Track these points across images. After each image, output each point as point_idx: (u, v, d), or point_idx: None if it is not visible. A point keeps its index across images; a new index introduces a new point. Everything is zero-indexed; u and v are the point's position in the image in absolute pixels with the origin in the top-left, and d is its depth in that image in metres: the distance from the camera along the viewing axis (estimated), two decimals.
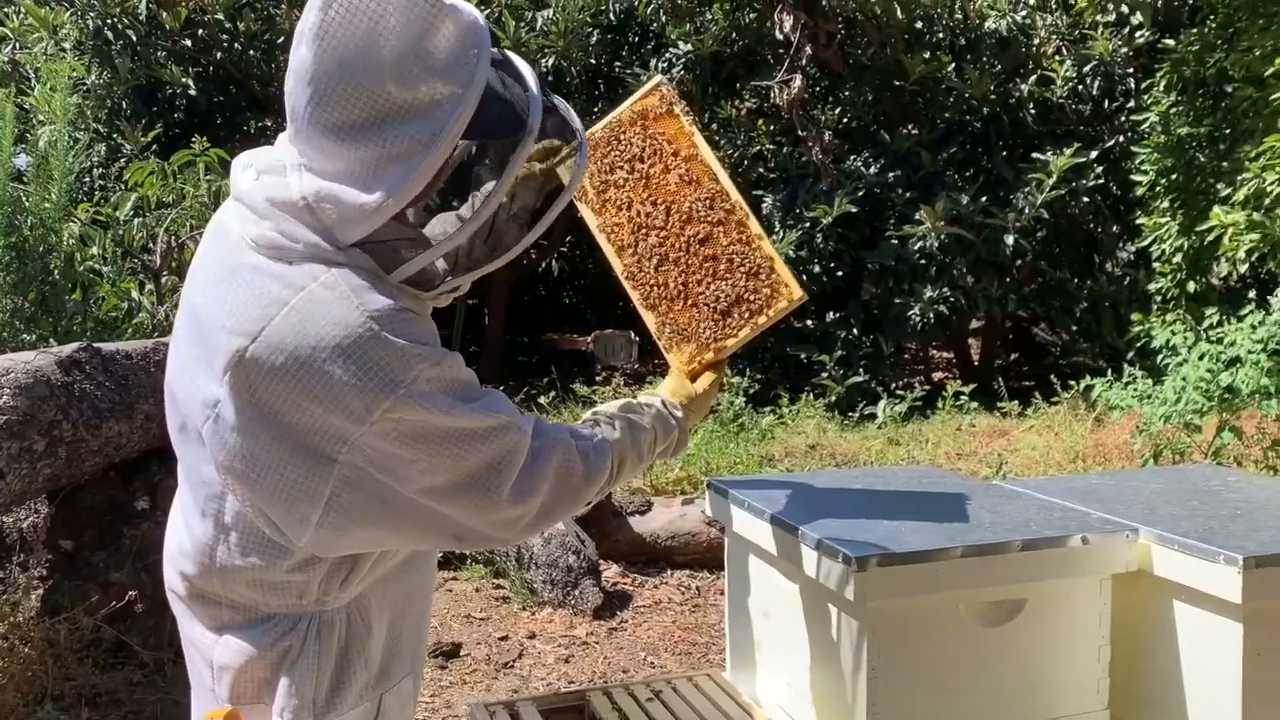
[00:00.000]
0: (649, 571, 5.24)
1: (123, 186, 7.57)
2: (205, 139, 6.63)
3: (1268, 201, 6.46)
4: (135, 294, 5.98)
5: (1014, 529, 1.93)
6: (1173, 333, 5.70)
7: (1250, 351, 5.29)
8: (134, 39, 10.23)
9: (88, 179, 10.11)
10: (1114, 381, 5.97)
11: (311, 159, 1.38)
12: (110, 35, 10.12)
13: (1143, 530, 1.94)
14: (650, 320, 2.10)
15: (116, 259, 6.08)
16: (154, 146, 9.18)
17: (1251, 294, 5.44)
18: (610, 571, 5.15)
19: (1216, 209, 6.84)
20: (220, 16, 10.61)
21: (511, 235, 1.52)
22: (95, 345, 3.67)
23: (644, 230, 2.09)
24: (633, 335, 12.63)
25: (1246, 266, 6.48)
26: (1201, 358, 5.41)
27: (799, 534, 1.94)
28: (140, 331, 5.59)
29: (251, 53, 10.83)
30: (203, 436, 1.40)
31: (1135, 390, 5.64)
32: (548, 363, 11.35)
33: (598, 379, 11.54)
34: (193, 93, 10.89)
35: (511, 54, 1.49)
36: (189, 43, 10.86)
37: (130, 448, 3.66)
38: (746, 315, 2.06)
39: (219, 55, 10.91)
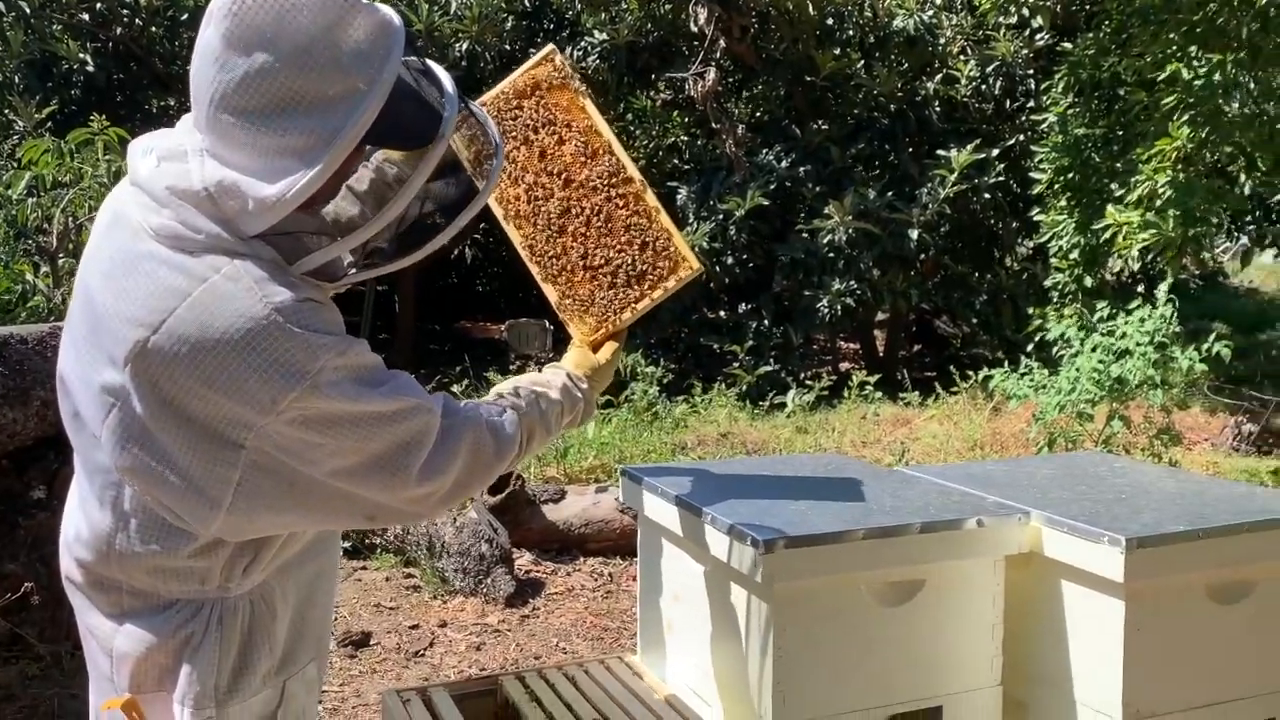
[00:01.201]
0: (562, 559, 5.27)
1: (15, 165, 7.27)
2: (104, 117, 6.41)
3: (1159, 203, 6.76)
4: (30, 276, 5.77)
5: (914, 512, 2.01)
6: (1067, 326, 5.93)
7: (1138, 344, 5.54)
8: (28, 11, 9.83)
9: None
10: (1011, 372, 6.18)
11: (214, 145, 1.37)
12: (2, 6, 9.70)
13: (1034, 513, 2.04)
14: (551, 293, 2.13)
15: (9, 240, 5.86)
16: (49, 124, 8.84)
17: (1141, 289, 5.68)
18: (523, 560, 5.16)
19: (1111, 208, 7.13)
20: None
21: (419, 235, 1.52)
22: None
23: (541, 202, 2.12)
24: (547, 324, 12.59)
25: (1139, 264, 6.77)
26: (1094, 350, 5.64)
27: (707, 518, 1.99)
28: (36, 315, 5.40)
29: (154, 29, 10.50)
30: (102, 426, 1.39)
31: (1031, 381, 5.86)
32: (460, 351, 11.28)
33: (511, 368, 11.50)
34: (90, 69, 10.50)
35: (432, 63, 1.51)
36: (87, 16, 10.47)
37: (25, 435, 3.54)
38: (646, 287, 2.11)
39: (119, 30, 10.55)
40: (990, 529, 2.00)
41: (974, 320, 10.82)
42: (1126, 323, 5.73)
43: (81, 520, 1.48)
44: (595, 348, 2.06)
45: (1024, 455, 6.65)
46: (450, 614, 4.55)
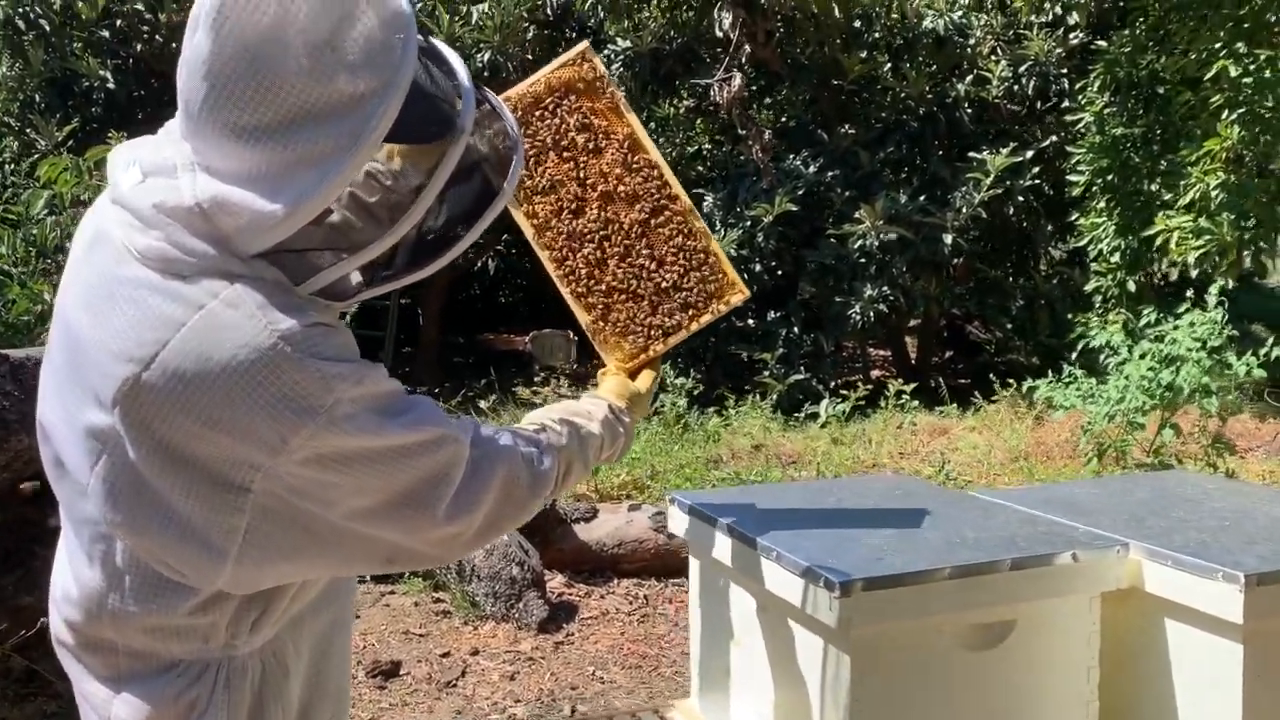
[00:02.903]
0: (595, 581, 5.08)
1: (35, 183, 7.19)
2: (124, 134, 6.31)
3: (1212, 206, 6.53)
4: (48, 296, 5.66)
5: (1000, 546, 1.82)
6: (1113, 333, 5.72)
7: (1190, 349, 5.32)
8: (47, 29, 9.78)
9: None
10: (1056, 381, 5.96)
11: (208, 158, 1.22)
12: (22, 25, 9.66)
13: (1133, 545, 1.85)
14: (582, 315, 1.97)
15: (29, 259, 5.76)
16: (70, 142, 8.78)
17: (1189, 293, 5.47)
18: (555, 582, 4.98)
19: (1161, 214, 6.91)
20: (140, 7, 10.19)
21: (434, 246, 1.37)
22: (3, 352, 3.41)
23: (573, 217, 1.95)
24: (571, 335, 12.46)
25: (1196, 270, 6.54)
26: (1143, 356, 5.42)
27: (772, 554, 1.81)
28: None
29: (174, 45, 10.41)
30: (89, 474, 1.24)
31: (1078, 390, 5.64)
32: (485, 364, 11.14)
33: (536, 380, 11.37)
34: (111, 86, 10.43)
35: (439, 43, 1.35)
36: (107, 34, 10.41)
37: (41, 462, 3.40)
38: (690, 313, 1.94)
39: (139, 48, 10.48)
40: (1086, 563, 1.81)
41: (1008, 326, 10.58)
42: (1176, 328, 5.51)
43: (69, 578, 1.33)
44: (632, 374, 1.90)
45: (1070, 466, 6.43)
46: (482, 641, 4.38)
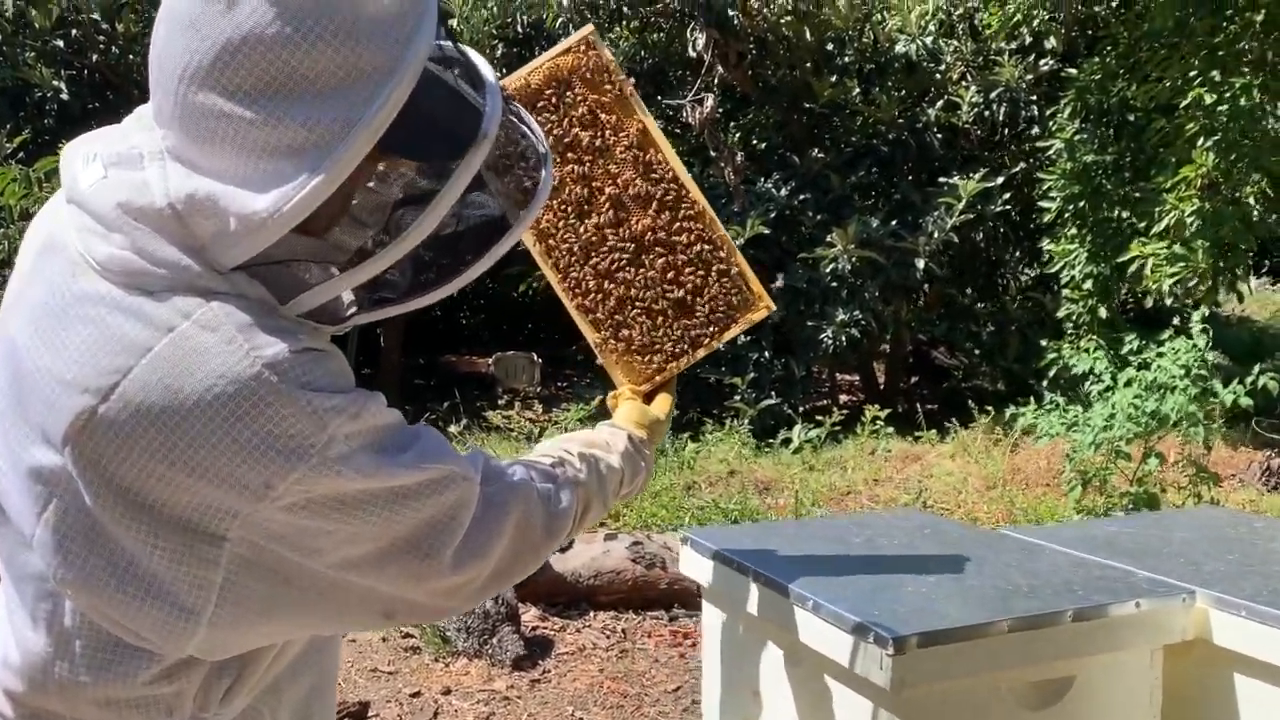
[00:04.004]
0: (571, 614, 4.88)
1: None
2: None
3: (1187, 234, 6.51)
4: None
5: (1058, 594, 1.67)
6: (1096, 359, 5.64)
7: (1175, 377, 5.25)
8: (0, 38, 9.46)
9: None
10: (1039, 409, 5.88)
11: (182, 144, 1.03)
12: None
13: (1199, 593, 1.70)
14: (590, 332, 1.79)
15: None
16: (20, 154, 8.44)
17: (1175, 320, 5.41)
18: (529, 615, 4.77)
19: (1136, 242, 6.88)
20: (96, 16, 9.89)
21: (443, 268, 1.19)
22: None
23: (579, 222, 1.78)
24: (535, 357, 12.26)
25: (1172, 298, 6.51)
26: (1128, 384, 5.34)
27: (808, 604, 1.64)
28: None
29: (131, 57, 10.13)
30: (36, 523, 1.04)
31: (1063, 417, 5.55)
32: (447, 386, 10.90)
33: (500, 402, 11.14)
34: (65, 97, 10.10)
35: (463, 45, 1.18)
36: (61, 43, 10.09)
37: None
38: (712, 330, 1.78)
39: (95, 58, 10.18)
40: (1148, 613, 1.66)
41: (976, 351, 10.54)
42: (1160, 355, 5.44)
43: (10, 641, 1.12)
44: (646, 398, 1.74)
45: (1049, 495, 6.34)
46: (454, 679, 4.16)
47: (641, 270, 1.76)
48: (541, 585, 4.94)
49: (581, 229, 1.77)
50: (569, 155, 1.78)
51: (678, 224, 1.77)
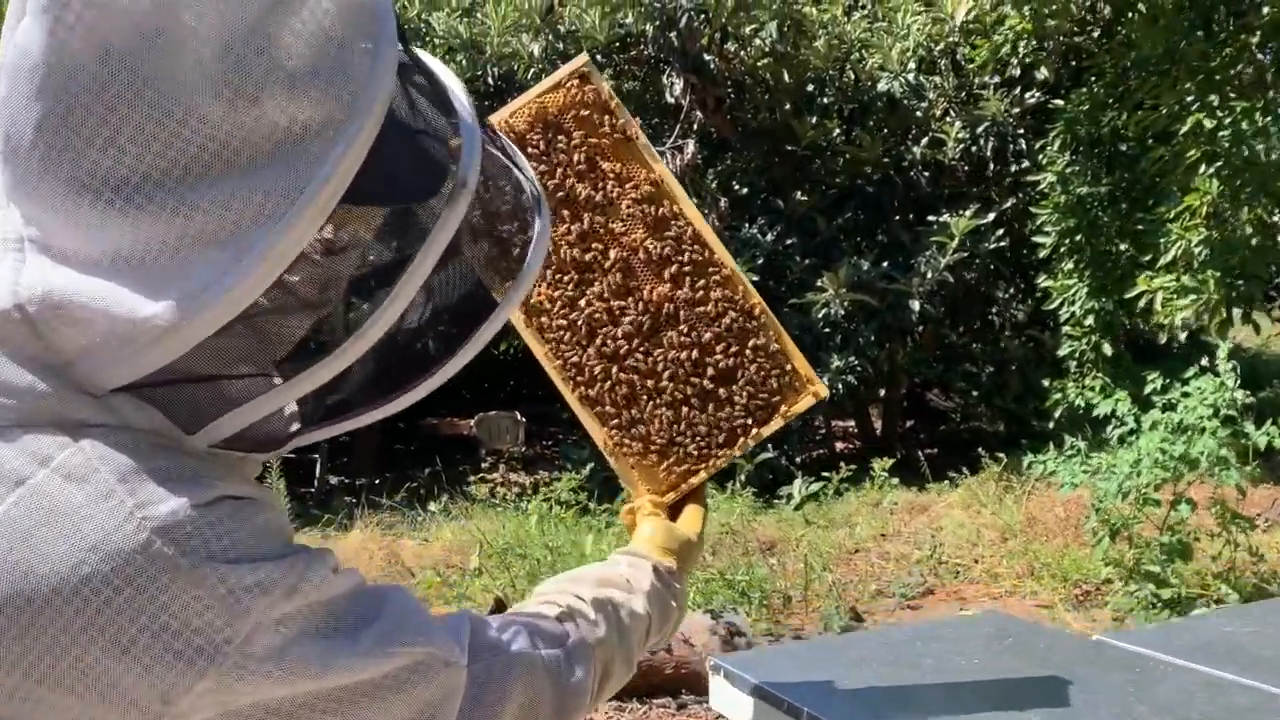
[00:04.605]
0: None
1: None
2: None
3: (1195, 264, 6.25)
4: None
5: None
6: (1119, 402, 5.32)
7: (1203, 418, 4.93)
8: None
9: None
10: (1059, 455, 5.53)
11: (47, 230, 0.73)
12: None
13: None
14: (597, 430, 1.45)
15: None
16: None
17: (1202, 358, 5.10)
18: None
19: (1144, 275, 6.61)
20: None
21: (413, 363, 0.90)
22: None
23: (578, 294, 1.44)
24: (518, 416, 11.89)
25: (1185, 332, 6.23)
26: (1154, 426, 5.01)
27: None
28: None
29: None
30: None
31: (1085, 464, 5.21)
32: (429, 451, 10.52)
33: (484, 465, 10.74)
34: None
35: (424, 54, 0.86)
36: None
37: None
38: (749, 420, 1.43)
39: None
40: None
41: (974, 393, 10.24)
42: (1185, 395, 5.12)
43: None
44: (671, 511, 1.38)
45: (1073, 547, 5.99)
46: None
47: (659, 351, 1.42)
48: None
49: (583, 302, 1.43)
50: (564, 213, 1.44)
51: (701, 292, 1.43)
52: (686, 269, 1.44)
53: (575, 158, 1.43)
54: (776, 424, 1.44)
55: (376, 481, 9.60)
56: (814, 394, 1.45)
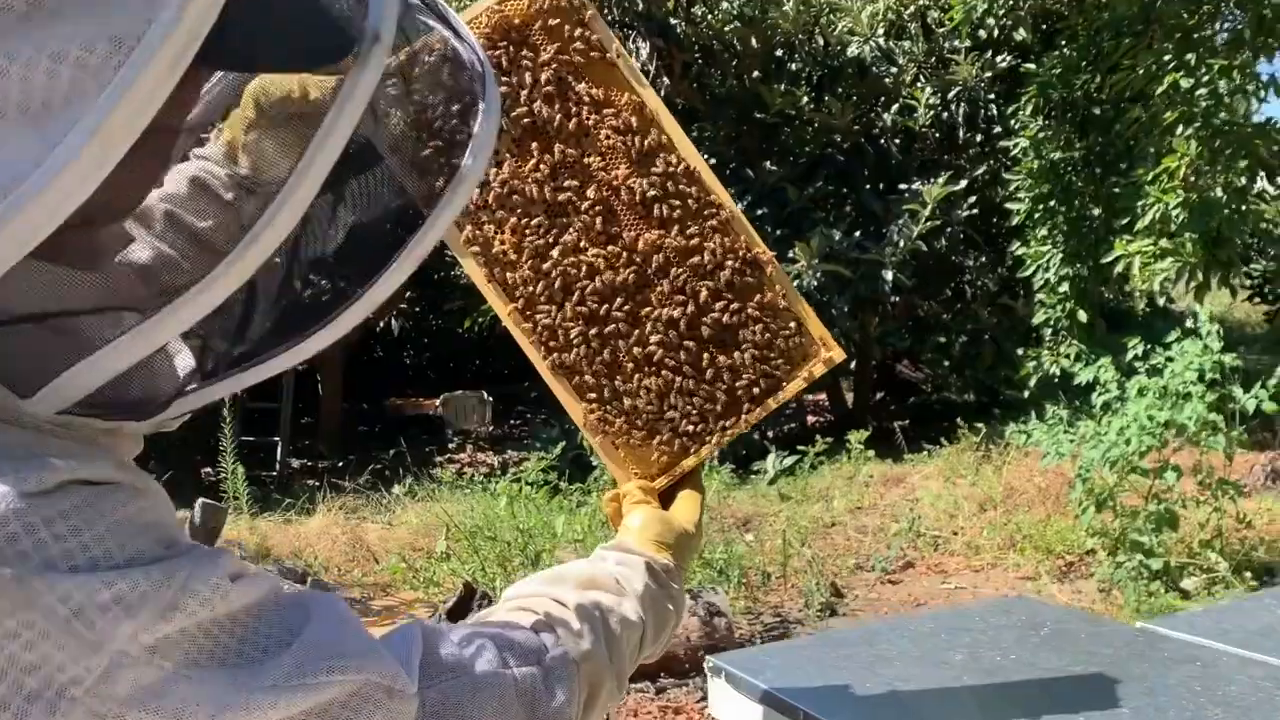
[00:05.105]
0: None
1: None
2: None
3: (1173, 227, 6.12)
4: None
5: None
6: (1101, 368, 5.18)
7: (1189, 383, 4.80)
8: None
9: None
10: (1040, 424, 5.40)
11: None
12: None
13: None
14: (575, 406, 1.24)
15: None
16: None
17: (1190, 322, 4.97)
18: None
19: (1120, 239, 6.49)
20: None
21: (325, 291, 0.73)
22: None
23: (548, 243, 1.23)
24: (485, 395, 11.66)
25: (1163, 296, 6.11)
26: (1141, 393, 4.88)
27: None
28: None
29: None
30: None
31: (1070, 433, 5.07)
32: (393, 432, 10.26)
33: (450, 445, 10.48)
34: None
35: None
36: None
37: None
38: (756, 392, 1.23)
39: None
40: None
41: (945, 363, 10.14)
42: (1169, 360, 4.99)
43: None
44: (664, 497, 1.19)
45: (1058, 518, 5.87)
46: None
47: (646, 310, 1.21)
48: None
49: (555, 252, 1.21)
50: (531, 144, 1.23)
51: (696, 239, 1.22)
52: (678, 211, 1.23)
53: (543, 77, 1.22)
54: (787, 393, 1.25)
55: (340, 464, 9.34)
56: (827, 358, 1.25)
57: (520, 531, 5.01)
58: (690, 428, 1.21)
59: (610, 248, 1.22)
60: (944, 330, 9.55)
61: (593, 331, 1.21)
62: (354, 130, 0.59)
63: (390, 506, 6.91)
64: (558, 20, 1.22)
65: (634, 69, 1.26)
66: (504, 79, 1.22)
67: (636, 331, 1.21)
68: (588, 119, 1.23)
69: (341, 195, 0.69)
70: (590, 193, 1.22)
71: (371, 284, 0.65)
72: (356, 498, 7.36)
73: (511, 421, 12.18)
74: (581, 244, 1.21)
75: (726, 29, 8.76)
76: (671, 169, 1.24)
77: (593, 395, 1.21)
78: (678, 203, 1.24)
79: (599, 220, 1.21)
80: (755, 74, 9.08)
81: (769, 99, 8.97)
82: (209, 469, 7.69)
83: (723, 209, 1.26)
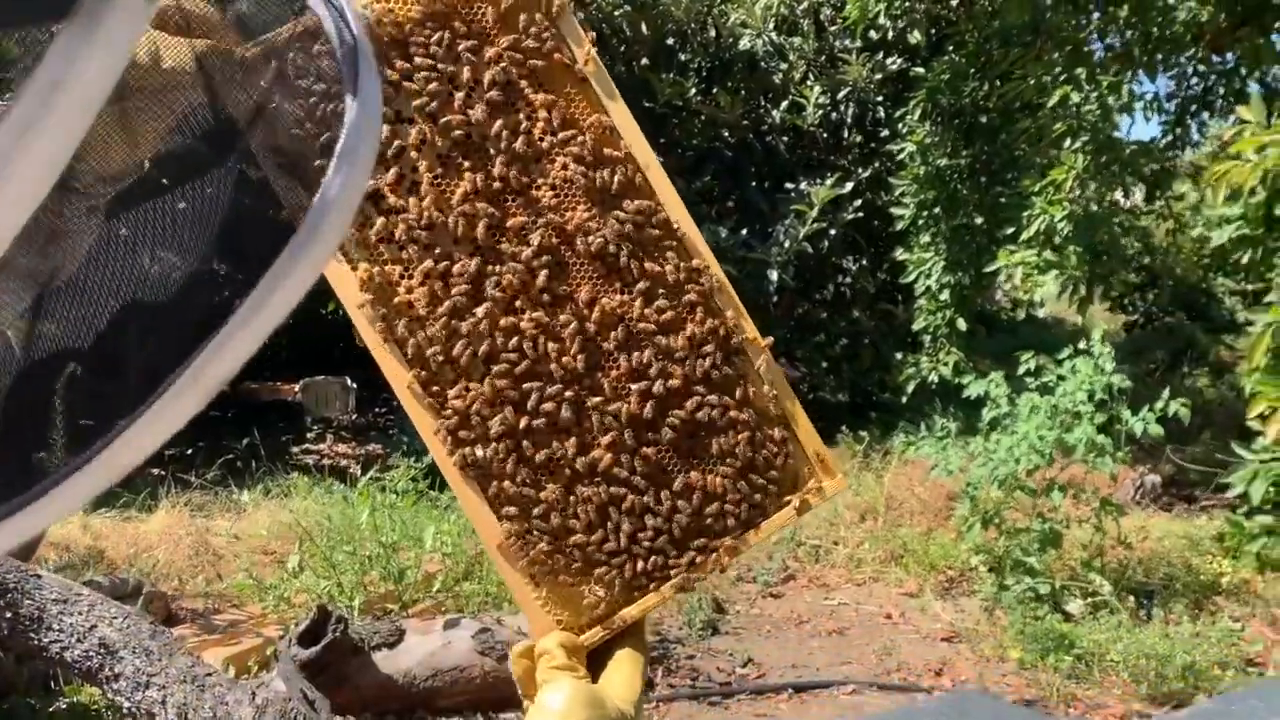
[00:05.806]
0: None
1: None
2: None
3: (1058, 239, 6.11)
4: None
5: None
6: (993, 384, 5.09)
7: (1081, 403, 4.75)
8: None
9: None
10: (929, 436, 5.29)
11: None
12: None
13: None
14: (485, 520, 0.90)
15: None
16: None
17: (1084, 341, 4.91)
18: None
19: (1004, 249, 6.46)
20: None
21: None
22: None
23: (470, 298, 0.90)
24: (348, 381, 11.10)
25: (1044, 307, 6.09)
26: (1033, 411, 4.80)
27: None
28: None
29: None
30: None
31: (963, 448, 4.97)
32: (247, 419, 9.61)
33: (309, 434, 9.89)
34: None
35: None
36: None
37: None
38: (730, 521, 0.94)
39: None
40: None
41: (824, 364, 10.10)
42: (1060, 379, 4.93)
43: None
44: (592, 660, 0.89)
45: (942, 531, 5.79)
46: None
47: (596, 400, 0.89)
48: (366, 691, 3.96)
49: (480, 310, 0.88)
50: (461, 162, 0.89)
51: (669, 312, 0.91)
52: (648, 274, 0.92)
53: (487, 76, 0.88)
54: (770, 527, 0.94)
55: (188, 452, 8.67)
56: (835, 485, 0.96)
57: (383, 545, 4.60)
58: (639, 565, 0.90)
59: (555, 312, 0.89)
60: (823, 330, 9.49)
61: (521, 424, 0.88)
62: (88, 126, 0.28)
63: (241, 505, 6.38)
64: (517, 6, 0.89)
65: (608, 82, 0.93)
66: (433, 71, 0.88)
67: (580, 428, 0.89)
68: (541, 139, 0.90)
69: (84, 260, 0.37)
70: (535, 237, 0.89)
71: (110, 438, 0.32)
72: (204, 493, 6.79)
73: (376, 409, 11.64)
74: (517, 303, 0.88)
75: (616, 13, 8.44)
76: (644, 218, 0.93)
77: (512, 510, 0.88)
78: (650, 263, 0.92)
79: (543, 274, 0.89)
80: (644, 61, 8.79)
81: (658, 88, 8.71)
82: None
83: (706, 276, 0.95)
